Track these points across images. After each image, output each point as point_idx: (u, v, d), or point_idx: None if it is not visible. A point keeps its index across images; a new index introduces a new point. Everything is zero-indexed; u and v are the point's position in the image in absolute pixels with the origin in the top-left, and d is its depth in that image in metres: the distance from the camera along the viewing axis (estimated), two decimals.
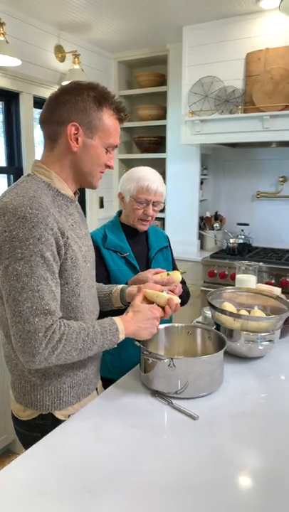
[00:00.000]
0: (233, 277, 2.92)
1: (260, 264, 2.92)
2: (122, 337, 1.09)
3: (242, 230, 3.42)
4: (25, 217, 0.94)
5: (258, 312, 1.52)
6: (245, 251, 3.25)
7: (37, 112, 2.95)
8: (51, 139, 1.09)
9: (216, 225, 3.50)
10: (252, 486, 0.89)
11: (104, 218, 3.51)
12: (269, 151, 3.35)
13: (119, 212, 1.74)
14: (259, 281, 2.72)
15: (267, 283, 2.81)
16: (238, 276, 1.96)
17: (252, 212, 3.52)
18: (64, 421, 1.10)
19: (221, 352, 1.22)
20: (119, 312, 1.21)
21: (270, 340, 1.37)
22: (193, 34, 3.00)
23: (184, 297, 1.72)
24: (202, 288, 3.08)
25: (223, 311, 1.42)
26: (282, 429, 1.07)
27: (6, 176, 2.90)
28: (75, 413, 1.13)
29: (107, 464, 0.93)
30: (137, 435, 1.03)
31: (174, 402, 1.16)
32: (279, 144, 3.11)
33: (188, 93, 3.04)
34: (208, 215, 3.58)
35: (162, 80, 3.58)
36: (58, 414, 1.13)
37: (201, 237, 3.53)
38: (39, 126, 1.14)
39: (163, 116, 3.56)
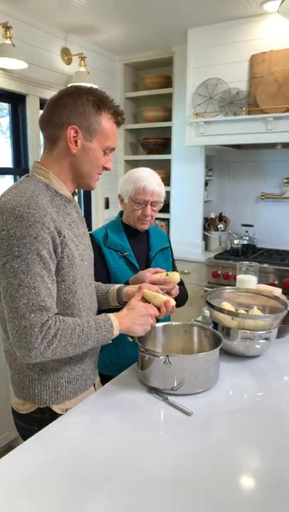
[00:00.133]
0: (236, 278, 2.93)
1: (265, 265, 2.94)
2: (116, 333, 1.12)
3: (246, 231, 3.43)
4: (22, 216, 0.97)
5: (256, 312, 1.54)
6: (249, 252, 3.26)
7: None
8: (51, 141, 1.12)
9: (221, 226, 3.51)
10: (246, 480, 0.90)
11: (110, 219, 3.53)
12: (274, 152, 3.36)
13: (121, 213, 1.77)
14: (263, 282, 2.73)
15: (270, 284, 2.82)
16: (239, 277, 1.98)
17: (256, 213, 3.53)
18: (61, 415, 1.13)
19: (217, 350, 1.24)
20: (117, 311, 1.24)
21: (266, 338, 1.39)
22: (197, 36, 3.02)
23: (182, 298, 1.74)
24: (206, 288, 3.10)
25: (221, 310, 1.44)
26: (277, 426, 1.09)
27: (12, 177, 2.95)
28: (73, 407, 1.16)
29: (103, 456, 0.95)
30: (132, 429, 1.06)
31: (170, 398, 1.18)
32: (284, 146, 3.12)
33: (192, 95, 3.06)
34: (212, 216, 3.60)
35: (168, 82, 3.61)
36: (56, 408, 1.16)
37: (205, 238, 3.55)
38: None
39: (168, 118, 3.59)
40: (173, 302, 1.27)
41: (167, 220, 3.66)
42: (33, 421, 1.16)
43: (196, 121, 3.02)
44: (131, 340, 1.21)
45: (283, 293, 2.00)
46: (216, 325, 1.48)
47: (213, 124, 2.99)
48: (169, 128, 3.54)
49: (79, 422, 1.08)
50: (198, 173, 3.42)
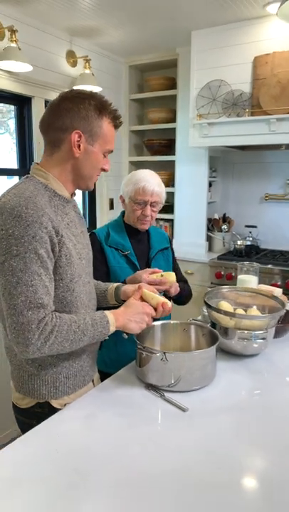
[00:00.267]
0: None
1: (269, 266, 2.95)
2: (112, 329, 1.15)
3: (250, 232, 3.45)
4: (20, 216, 1.01)
5: (254, 311, 1.56)
6: (252, 253, 3.27)
7: None
8: (52, 144, 1.15)
9: (224, 226, 3.53)
10: (240, 474, 0.92)
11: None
12: (278, 153, 3.37)
13: (123, 212, 1.81)
14: (266, 282, 2.74)
15: (273, 285, 2.83)
16: (240, 277, 2.00)
17: (260, 214, 3.54)
18: (60, 409, 1.16)
19: (213, 348, 1.27)
20: (115, 308, 1.26)
21: (262, 338, 1.41)
22: (201, 39, 3.05)
23: (186, 296, 1.77)
24: (209, 289, 3.11)
25: (218, 310, 1.46)
26: (272, 422, 1.11)
27: (18, 177, 2.99)
28: (71, 402, 1.18)
29: (99, 450, 0.98)
30: (128, 424, 1.08)
31: (167, 395, 1.21)
32: (288, 147, 3.13)
33: (196, 96, 3.08)
34: (216, 216, 3.62)
35: (172, 84, 3.64)
36: (55, 403, 1.19)
37: (209, 238, 3.57)
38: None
39: (173, 119, 3.61)
40: (169, 304, 1.29)
41: (171, 221, 3.69)
42: (33, 415, 1.19)
43: (199, 122, 3.04)
44: (126, 336, 1.24)
45: (284, 293, 2.02)
46: (214, 324, 1.51)
47: (216, 125, 3.01)
48: (173, 129, 3.57)
49: (77, 417, 1.11)
50: (202, 174, 3.44)
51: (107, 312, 1.16)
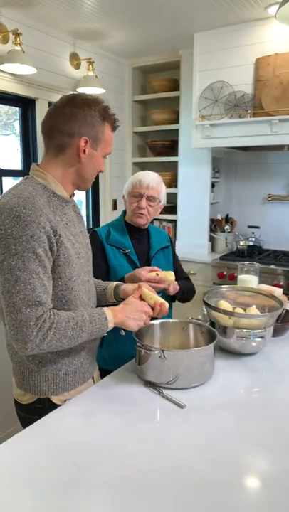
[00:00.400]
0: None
1: (272, 266, 2.96)
2: (110, 325, 1.17)
3: (252, 233, 3.46)
4: (19, 216, 1.03)
5: (253, 310, 1.57)
6: (255, 253, 3.28)
7: None
8: (58, 148, 1.17)
9: (227, 227, 3.54)
10: (238, 469, 0.93)
11: None
12: (280, 154, 3.38)
13: (124, 212, 1.83)
14: (268, 283, 2.75)
15: (274, 285, 2.84)
16: (240, 277, 2.01)
17: (263, 215, 3.55)
18: (60, 405, 1.18)
19: (211, 345, 1.28)
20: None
21: (261, 337, 1.42)
22: (203, 40, 3.07)
23: (189, 292, 1.80)
24: None
25: (216, 309, 1.48)
26: (270, 420, 1.12)
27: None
28: (71, 399, 1.21)
29: (98, 445, 1.00)
30: (127, 421, 1.10)
31: (165, 392, 1.22)
32: None
33: (198, 98, 3.10)
34: (219, 217, 3.63)
35: (175, 85, 3.66)
36: (55, 399, 1.22)
37: (211, 239, 3.58)
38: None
39: (176, 121, 3.63)
40: (167, 305, 1.32)
41: (174, 222, 3.71)
42: (34, 411, 1.21)
43: (202, 123, 3.06)
44: (123, 333, 1.26)
45: (284, 293, 2.03)
46: (213, 323, 1.52)
47: (218, 126, 3.03)
48: (176, 130, 3.59)
49: (77, 413, 1.13)
50: (204, 174, 3.45)
51: (105, 309, 1.18)
